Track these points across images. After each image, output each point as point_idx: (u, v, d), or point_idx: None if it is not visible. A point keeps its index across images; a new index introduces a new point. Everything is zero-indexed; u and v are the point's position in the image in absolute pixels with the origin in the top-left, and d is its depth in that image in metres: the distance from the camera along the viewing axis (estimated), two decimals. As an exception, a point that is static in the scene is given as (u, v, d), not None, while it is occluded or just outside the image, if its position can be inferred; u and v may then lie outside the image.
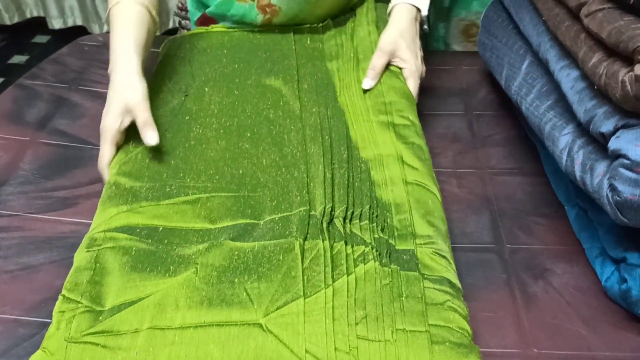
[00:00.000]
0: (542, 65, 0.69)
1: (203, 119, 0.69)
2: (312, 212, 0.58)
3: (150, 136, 0.64)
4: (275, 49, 0.80)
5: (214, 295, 0.51)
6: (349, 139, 0.67)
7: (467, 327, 0.51)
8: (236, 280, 0.52)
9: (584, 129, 0.58)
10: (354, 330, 0.48)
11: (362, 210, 0.59)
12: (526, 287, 0.61)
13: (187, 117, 0.70)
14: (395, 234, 0.58)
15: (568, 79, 0.60)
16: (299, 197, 0.60)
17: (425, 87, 0.94)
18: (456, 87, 0.94)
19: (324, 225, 0.57)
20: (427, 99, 0.92)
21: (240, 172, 0.63)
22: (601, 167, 0.54)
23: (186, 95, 0.73)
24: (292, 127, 0.68)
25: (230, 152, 0.65)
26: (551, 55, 0.64)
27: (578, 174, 0.57)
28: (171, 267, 0.53)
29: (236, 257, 0.54)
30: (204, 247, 0.55)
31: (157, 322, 0.49)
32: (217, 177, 0.63)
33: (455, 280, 0.55)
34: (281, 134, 0.67)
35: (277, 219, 0.58)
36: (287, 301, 0.50)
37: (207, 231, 0.57)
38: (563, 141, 0.60)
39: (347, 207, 0.59)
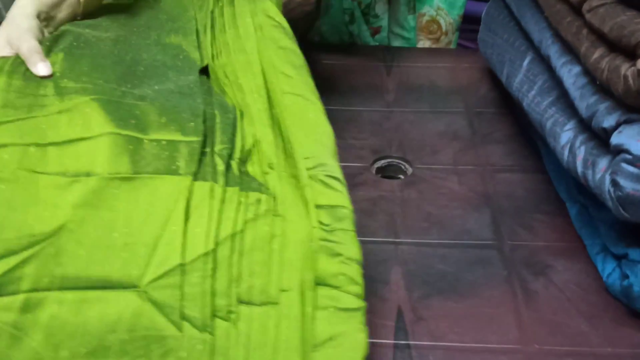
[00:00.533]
0: (544, 61, 0.69)
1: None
2: (207, 149, 0.53)
3: (40, 67, 0.56)
4: (175, 6, 0.75)
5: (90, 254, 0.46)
6: None
7: (359, 279, 0.49)
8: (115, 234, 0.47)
9: (585, 125, 0.58)
10: (235, 293, 0.45)
11: (249, 147, 0.55)
12: (527, 283, 0.61)
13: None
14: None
15: (570, 74, 0.59)
16: (192, 124, 0.54)
17: (425, 85, 0.94)
18: (456, 85, 0.94)
19: (218, 165, 0.52)
20: (427, 97, 0.92)
21: (127, 77, 0.58)
22: (603, 162, 0.53)
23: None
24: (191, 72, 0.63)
25: (120, 67, 0.60)
26: (553, 51, 0.64)
27: (580, 169, 0.56)
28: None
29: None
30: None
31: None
32: (100, 79, 0.57)
33: (349, 204, 0.52)
34: (179, 76, 0.62)
35: (164, 142, 0.53)
36: (165, 261, 0.45)
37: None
38: (565, 137, 0.60)
39: (236, 144, 0.55)
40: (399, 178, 0.78)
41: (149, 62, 0.63)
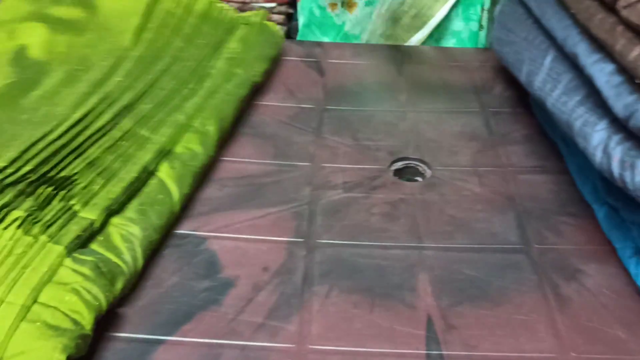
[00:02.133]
0: (568, 59, 0.67)
1: None
2: None
3: None
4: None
5: None
6: None
7: (85, 314, 0.49)
8: None
9: (620, 125, 0.56)
10: None
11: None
12: (558, 289, 0.59)
13: None
14: (90, 200, 0.59)
15: (602, 73, 0.58)
16: None
17: (438, 84, 0.92)
18: (470, 84, 0.92)
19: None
20: (441, 96, 0.90)
21: None
22: (643, 164, 0.52)
23: None
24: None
25: None
26: (581, 49, 0.62)
27: (616, 171, 0.55)
28: None
29: None
30: None
31: None
32: None
33: (121, 265, 0.55)
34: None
35: None
36: None
37: None
38: (597, 137, 0.58)
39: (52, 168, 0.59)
40: (417, 180, 0.76)
41: None
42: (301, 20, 1.19)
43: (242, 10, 1.69)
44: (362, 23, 1.13)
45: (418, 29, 1.08)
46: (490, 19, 1.10)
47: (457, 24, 1.09)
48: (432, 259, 0.63)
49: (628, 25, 0.54)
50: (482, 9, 1.09)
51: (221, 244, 0.64)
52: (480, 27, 1.11)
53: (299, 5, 1.19)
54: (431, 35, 1.09)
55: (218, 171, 0.74)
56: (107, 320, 0.54)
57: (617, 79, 0.56)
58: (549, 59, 0.71)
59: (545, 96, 0.70)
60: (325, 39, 1.17)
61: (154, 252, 0.62)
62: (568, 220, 0.67)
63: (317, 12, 1.17)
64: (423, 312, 0.57)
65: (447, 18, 1.08)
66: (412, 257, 0.63)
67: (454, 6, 1.07)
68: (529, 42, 0.77)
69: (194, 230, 0.65)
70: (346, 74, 0.94)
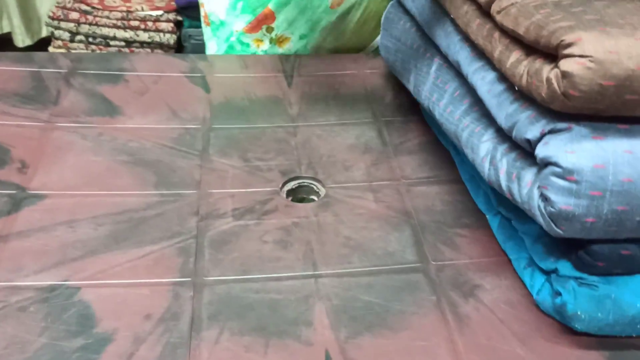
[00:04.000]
0: (453, 67, 0.66)
1: None
2: None
3: None
4: None
5: None
6: None
7: None
8: None
9: (505, 135, 0.55)
10: None
11: None
12: (457, 307, 0.58)
13: None
14: None
15: (484, 82, 0.56)
16: None
17: (329, 95, 0.90)
18: (362, 93, 0.90)
19: None
20: (333, 107, 0.87)
21: None
22: (528, 175, 0.50)
23: None
24: None
25: None
26: (462, 56, 0.61)
27: (504, 183, 0.53)
28: None
29: None
30: None
31: None
32: None
33: None
34: None
35: None
36: None
37: None
38: (483, 149, 0.57)
39: None
40: (312, 199, 0.72)
41: None
42: (213, 50, 1.07)
43: (125, 19, 1.60)
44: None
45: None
46: None
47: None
48: (328, 287, 0.60)
49: (504, 31, 0.53)
50: None
51: (97, 293, 0.58)
52: None
53: (212, 34, 1.07)
54: None
55: (92, 207, 0.67)
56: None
57: (499, 87, 0.55)
58: (434, 68, 0.70)
59: (433, 106, 0.68)
60: None
61: (15, 310, 0.55)
62: (463, 232, 0.66)
63: (238, 47, 1.05)
64: (320, 347, 0.54)
65: None
66: (307, 287, 0.60)
67: None
68: (414, 50, 0.75)
69: (64, 280, 0.58)
70: (234, 88, 0.89)
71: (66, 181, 0.70)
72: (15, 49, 1.83)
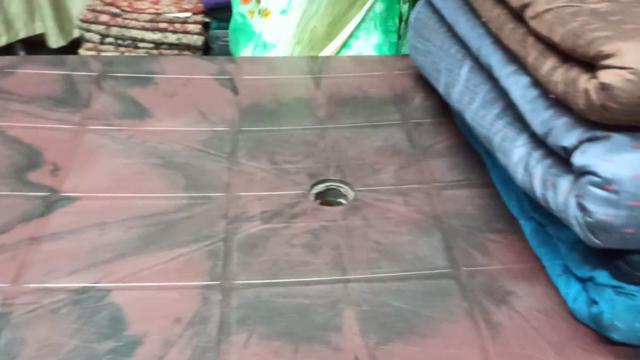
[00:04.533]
0: (484, 70, 0.65)
1: None
2: None
3: None
4: None
5: None
6: None
7: None
8: None
9: (539, 140, 0.53)
10: None
11: None
12: (489, 315, 0.57)
13: None
14: None
15: (517, 86, 0.55)
16: None
17: (358, 96, 0.89)
18: (390, 95, 0.89)
19: None
20: (361, 109, 0.86)
21: None
22: (565, 183, 0.49)
23: None
24: None
25: None
26: (494, 60, 0.60)
27: (539, 190, 0.52)
28: None
29: None
30: None
31: None
32: None
33: None
34: None
35: None
36: None
37: None
38: (517, 154, 0.56)
39: None
40: (340, 203, 0.72)
41: None
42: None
43: (153, 21, 1.62)
44: (278, 31, 1.08)
45: (333, 37, 1.05)
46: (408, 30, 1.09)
47: (376, 38, 1.07)
48: (357, 292, 0.59)
49: (538, 37, 0.51)
50: (401, 20, 1.08)
51: (127, 296, 0.58)
52: (399, 36, 1.09)
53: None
54: (349, 46, 1.07)
55: (122, 210, 0.67)
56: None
57: (532, 92, 0.54)
58: (465, 70, 0.69)
59: (464, 109, 0.67)
60: (246, 46, 1.12)
61: (48, 312, 0.55)
62: (495, 237, 0.65)
63: (239, 19, 1.14)
64: (350, 354, 0.53)
65: (364, 31, 1.06)
66: (336, 292, 0.59)
67: (373, 19, 1.05)
68: (445, 51, 0.74)
69: (95, 283, 0.59)
70: (262, 90, 0.89)
71: (97, 184, 0.71)
72: (48, 50, 1.86)
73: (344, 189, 0.73)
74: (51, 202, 0.68)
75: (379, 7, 1.05)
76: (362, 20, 1.05)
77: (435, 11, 0.79)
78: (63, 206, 0.67)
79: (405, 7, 1.06)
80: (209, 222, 0.67)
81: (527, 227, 0.63)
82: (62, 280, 0.59)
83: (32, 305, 0.56)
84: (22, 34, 1.82)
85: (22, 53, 1.91)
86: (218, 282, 0.60)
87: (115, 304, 0.57)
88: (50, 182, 0.70)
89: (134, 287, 0.59)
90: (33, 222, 0.65)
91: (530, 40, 0.53)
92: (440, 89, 0.75)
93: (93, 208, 0.67)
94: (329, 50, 1.05)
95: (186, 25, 1.62)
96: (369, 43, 1.07)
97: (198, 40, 1.64)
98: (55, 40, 1.84)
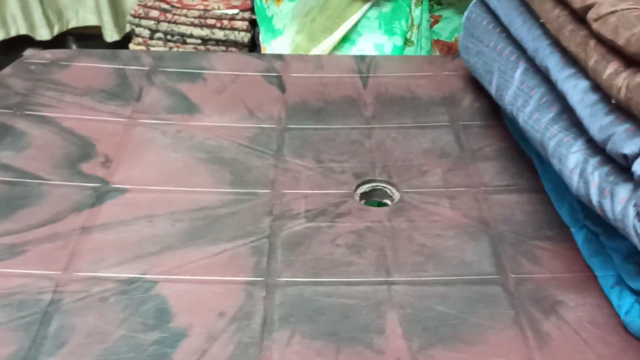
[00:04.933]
0: (540, 72, 0.63)
1: None
2: None
3: None
4: None
5: None
6: None
7: None
8: None
9: (596, 147, 0.52)
10: None
11: None
12: (537, 324, 0.55)
13: None
14: None
15: (575, 90, 0.53)
16: None
17: (405, 96, 0.88)
18: (439, 96, 0.88)
19: None
20: (408, 110, 0.85)
21: None
22: (623, 191, 0.47)
23: None
24: None
25: None
26: (552, 62, 0.58)
27: (595, 198, 0.50)
28: None
29: None
30: None
31: None
32: None
33: None
34: None
35: None
36: None
37: None
38: (572, 160, 0.54)
39: None
40: (385, 204, 0.71)
41: None
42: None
43: (202, 17, 1.64)
44: (285, 18, 1.09)
45: (332, 30, 1.04)
46: (423, 36, 1.06)
47: (379, 37, 1.05)
48: (401, 295, 0.58)
49: (600, 40, 0.50)
50: (413, 25, 1.05)
51: (173, 288, 0.59)
52: (411, 42, 1.06)
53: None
54: (353, 42, 1.05)
55: (170, 203, 0.68)
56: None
57: (592, 97, 0.52)
58: (519, 72, 0.67)
59: (517, 112, 0.66)
60: (262, 31, 1.14)
61: (97, 300, 0.57)
62: (545, 244, 0.63)
63: (258, 2, 1.15)
64: (392, 357, 0.53)
65: (368, 29, 1.04)
66: (379, 294, 0.59)
67: (378, 18, 1.04)
68: (498, 52, 0.72)
69: (142, 274, 0.60)
70: (309, 89, 0.89)
71: (146, 177, 0.72)
72: (99, 44, 1.91)
73: (390, 189, 0.72)
74: (102, 193, 0.69)
75: (387, 8, 1.03)
76: (367, 17, 1.03)
77: (489, 11, 0.78)
78: (113, 198, 0.69)
79: (417, 11, 1.03)
80: (254, 219, 0.67)
81: (579, 235, 0.61)
82: (110, 270, 0.60)
83: (82, 293, 0.58)
84: (73, 24, 1.87)
85: (74, 46, 1.97)
86: (262, 279, 0.60)
87: (161, 296, 0.58)
88: (101, 173, 0.72)
89: (180, 280, 0.60)
90: (84, 212, 0.66)
91: (592, 42, 0.51)
92: (492, 90, 0.73)
93: (142, 200, 0.69)
94: (327, 44, 1.04)
95: (234, 22, 1.64)
96: (371, 41, 1.06)
97: (245, 37, 1.66)
98: (110, 35, 1.89)
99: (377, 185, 0.73)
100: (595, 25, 0.50)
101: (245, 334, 0.54)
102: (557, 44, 0.59)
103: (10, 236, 0.63)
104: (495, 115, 0.82)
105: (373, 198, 0.72)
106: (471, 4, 0.84)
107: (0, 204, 0.67)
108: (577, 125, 0.55)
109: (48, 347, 0.52)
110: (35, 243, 0.63)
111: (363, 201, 0.71)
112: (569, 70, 0.56)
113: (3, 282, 0.58)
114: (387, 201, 0.71)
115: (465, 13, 0.86)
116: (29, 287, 0.58)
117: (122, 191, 0.70)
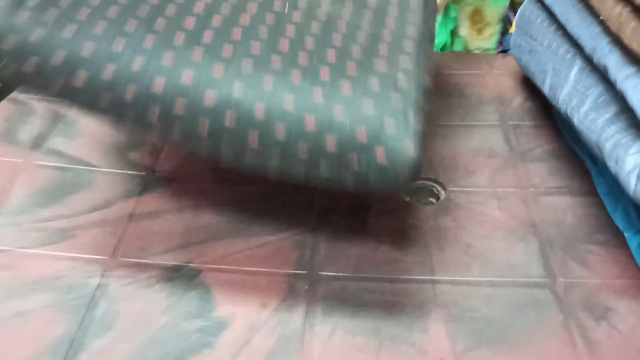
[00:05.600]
0: (597, 72, 0.61)
1: None
2: None
3: None
4: None
5: None
6: None
7: None
8: None
9: (657, 150, 0.50)
10: None
11: None
12: (587, 331, 0.53)
13: None
14: None
15: (636, 90, 0.51)
16: None
17: (454, 95, 0.87)
18: (488, 95, 0.86)
19: None
20: (457, 108, 0.84)
21: None
22: (685, 197, 0.45)
23: None
24: None
25: None
26: (611, 61, 0.56)
27: (654, 203, 0.48)
28: None
29: None
30: None
31: None
32: None
33: None
34: None
35: None
36: None
37: None
38: (630, 162, 0.52)
39: None
40: (431, 202, 0.70)
41: None
42: None
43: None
44: None
45: None
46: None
47: None
48: (446, 294, 0.57)
49: (666, 38, 0.48)
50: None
51: (217, 278, 0.59)
52: None
53: None
54: None
55: (215, 195, 0.69)
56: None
57: (654, 97, 0.50)
58: (574, 71, 0.65)
59: (572, 112, 0.64)
60: None
61: (143, 287, 0.58)
62: (596, 249, 0.61)
63: None
64: (435, 357, 0.52)
65: None
66: (424, 292, 0.58)
67: None
68: (553, 51, 0.70)
69: (187, 262, 0.61)
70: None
71: (192, 167, 0.73)
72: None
73: (436, 188, 0.71)
74: (149, 182, 0.70)
75: None
76: None
77: (544, 8, 0.75)
78: (161, 186, 0.70)
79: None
80: (299, 212, 0.67)
81: (633, 241, 0.59)
82: (157, 258, 0.61)
83: (128, 278, 0.58)
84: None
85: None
86: (305, 272, 0.60)
87: (204, 285, 0.58)
88: (149, 162, 0.73)
89: (223, 270, 0.60)
90: (132, 199, 0.68)
91: (656, 40, 0.49)
92: (545, 90, 0.71)
93: (187, 190, 0.69)
94: None
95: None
96: None
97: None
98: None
99: (424, 183, 0.71)
100: (660, 22, 0.48)
101: (286, 327, 0.54)
102: (617, 42, 0.57)
103: (61, 220, 0.65)
104: (546, 115, 0.80)
105: (419, 196, 0.71)
106: (525, 1, 0.82)
107: (53, 188, 0.69)
108: (636, 126, 0.53)
109: (94, 330, 0.54)
110: (84, 228, 0.64)
111: (408, 198, 0.70)
112: (630, 69, 0.54)
113: (53, 265, 0.60)
114: (433, 199, 0.70)
115: (519, 10, 0.83)
116: (77, 270, 0.59)
117: (169, 180, 0.71)
